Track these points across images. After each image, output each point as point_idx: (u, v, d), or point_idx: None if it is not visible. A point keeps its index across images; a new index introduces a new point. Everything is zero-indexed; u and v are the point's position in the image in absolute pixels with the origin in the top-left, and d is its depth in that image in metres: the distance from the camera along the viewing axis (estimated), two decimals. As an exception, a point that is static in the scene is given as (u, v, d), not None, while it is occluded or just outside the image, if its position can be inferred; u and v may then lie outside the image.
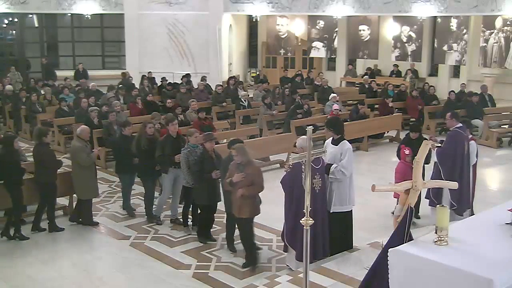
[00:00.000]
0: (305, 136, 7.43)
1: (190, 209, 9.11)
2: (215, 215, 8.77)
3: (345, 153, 7.48)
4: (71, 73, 21.41)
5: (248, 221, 7.69)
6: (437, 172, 8.79)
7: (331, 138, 7.78)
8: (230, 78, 19.19)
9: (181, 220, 9.23)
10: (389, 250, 4.79)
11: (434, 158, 8.83)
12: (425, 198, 8.93)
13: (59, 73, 22.38)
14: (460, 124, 9.11)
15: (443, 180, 8.38)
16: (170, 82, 18.40)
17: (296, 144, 7.61)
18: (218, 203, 8.66)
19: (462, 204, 8.87)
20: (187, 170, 8.70)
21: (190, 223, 9.11)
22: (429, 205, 8.90)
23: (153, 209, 9.55)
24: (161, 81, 18.64)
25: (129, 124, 9.96)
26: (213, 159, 8.44)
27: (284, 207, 7.40)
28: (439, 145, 8.92)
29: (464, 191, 8.94)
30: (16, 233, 8.72)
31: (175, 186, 9.34)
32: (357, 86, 20.66)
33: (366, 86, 19.09)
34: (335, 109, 14.16)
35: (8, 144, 8.70)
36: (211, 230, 8.79)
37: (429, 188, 8.79)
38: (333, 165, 7.44)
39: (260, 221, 8.47)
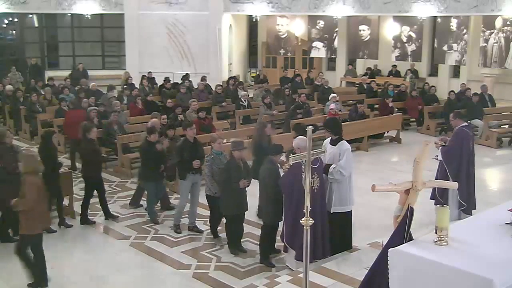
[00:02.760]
0: (302, 136, 7.47)
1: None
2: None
3: (344, 154, 7.48)
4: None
5: (25, 238, 6.97)
6: (442, 171, 8.78)
7: (330, 138, 7.78)
8: (230, 78, 19.21)
9: (200, 228, 9.00)
10: (389, 250, 4.78)
11: (439, 157, 8.83)
12: (430, 198, 8.94)
13: (59, 73, 22.38)
14: (465, 123, 9.12)
15: (449, 179, 8.41)
16: (168, 80, 18.41)
17: (293, 144, 7.54)
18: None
19: (471, 203, 8.90)
20: (210, 178, 8.35)
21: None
22: (435, 204, 8.90)
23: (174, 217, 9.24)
24: (163, 81, 18.60)
25: (154, 131, 9.60)
26: (240, 168, 8.05)
27: (283, 207, 7.40)
28: (444, 144, 8.92)
29: (472, 190, 8.99)
30: (62, 223, 9.12)
31: (193, 193, 9.02)
32: (357, 86, 20.68)
33: (365, 86, 19.09)
34: (331, 109, 14.24)
35: (46, 139, 9.22)
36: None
37: (434, 189, 8.80)
38: (331, 166, 7.45)
39: (261, 221, 8.47)
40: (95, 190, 9.52)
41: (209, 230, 8.86)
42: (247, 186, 8.06)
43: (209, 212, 8.89)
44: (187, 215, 9.23)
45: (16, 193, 8.09)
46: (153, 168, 9.32)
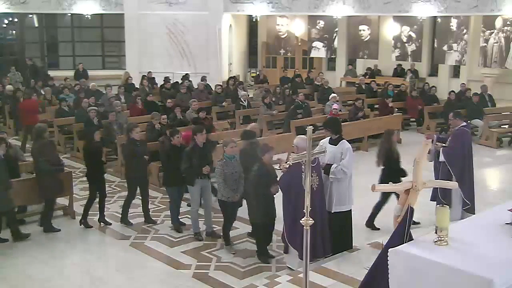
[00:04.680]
0: (302, 136, 7.46)
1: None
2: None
3: (346, 153, 7.50)
4: (71, 73, 21.40)
5: None
6: (444, 172, 8.75)
7: (329, 137, 7.78)
8: (230, 78, 19.21)
9: (218, 233, 8.71)
10: (389, 250, 4.79)
11: (441, 158, 8.82)
12: (431, 200, 8.92)
13: (59, 73, 22.39)
14: (465, 123, 9.14)
15: (453, 180, 8.39)
16: (168, 79, 18.41)
17: (294, 143, 7.44)
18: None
19: (474, 202, 8.92)
20: (223, 183, 8.06)
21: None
22: (437, 205, 8.88)
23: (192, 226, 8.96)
24: (163, 81, 18.60)
25: (177, 132, 9.23)
26: (271, 174, 7.80)
27: (282, 207, 7.40)
28: (445, 145, 8.91)
29: (473, 189, 9.00)
30: (101, 219, 9.33)
31: (205, 197, 8.79)
32: (356, 86, 20.67)
33: (363, 86, 19.09)
34: (334, 109, 14.16)
35: (89, 137, 9.53)
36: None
37: (436, 190, 8.78)
38: (333, 165, 7.44)
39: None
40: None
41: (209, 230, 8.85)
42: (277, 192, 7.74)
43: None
44: (187, 215, 9.22)
45: (59, 183, 8.97)
46: (176, 172, 8.85)
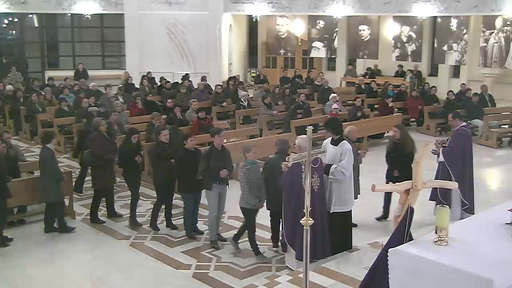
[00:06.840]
0: (304, 136, 7.44)
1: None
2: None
3: (345, 154, 7.49)
4: (71, 73, 21.40)
5: None
6: (444, 172, 8.75)
7: (330, 138, 7.79)
8: (230, 78, 19.22)
9: (223, 237, 8.60)
10: (389, 250, 4.79)
11: (441, 158, 8.82)
12: (430, 200, 8.92)
13: (59, 73, 22.38)
14: (464, 123, 9.14)
15: (452, 180, 8.38)
16: (164, 79, 18.41)
17: (295, 143, 7.49)
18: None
19: (473, 202, 8.92)
20: (248, 191, 7.78)
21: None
22: (437, 205, 8.88)
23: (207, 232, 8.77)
24: (159, 81, 18.61)
25: (191, 136, 8.91)
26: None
27: (282, 207, 7.39)
28: (445, 145, 8.91)
29: (472, 189, 9.01)
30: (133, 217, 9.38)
31: (219, 205, 8.42)
32: (356, 86, 20.68)
33: (363, 86, 19.10)
34: (334, 109, 14.16)
35: (128, 137, 9.58)
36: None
37: (436, 191, 8.78)
38: (332, 166, 7.45)
39: (260, 221, 8.47)
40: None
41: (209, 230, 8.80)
42: None
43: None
44: (181, 216, 9.15)
45: (107, 175, 9.41)
46: (191, 178, 8.51)
